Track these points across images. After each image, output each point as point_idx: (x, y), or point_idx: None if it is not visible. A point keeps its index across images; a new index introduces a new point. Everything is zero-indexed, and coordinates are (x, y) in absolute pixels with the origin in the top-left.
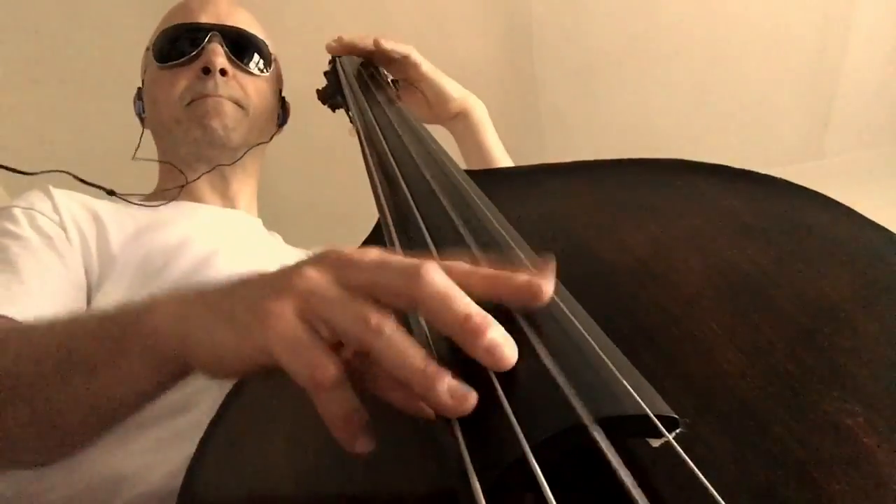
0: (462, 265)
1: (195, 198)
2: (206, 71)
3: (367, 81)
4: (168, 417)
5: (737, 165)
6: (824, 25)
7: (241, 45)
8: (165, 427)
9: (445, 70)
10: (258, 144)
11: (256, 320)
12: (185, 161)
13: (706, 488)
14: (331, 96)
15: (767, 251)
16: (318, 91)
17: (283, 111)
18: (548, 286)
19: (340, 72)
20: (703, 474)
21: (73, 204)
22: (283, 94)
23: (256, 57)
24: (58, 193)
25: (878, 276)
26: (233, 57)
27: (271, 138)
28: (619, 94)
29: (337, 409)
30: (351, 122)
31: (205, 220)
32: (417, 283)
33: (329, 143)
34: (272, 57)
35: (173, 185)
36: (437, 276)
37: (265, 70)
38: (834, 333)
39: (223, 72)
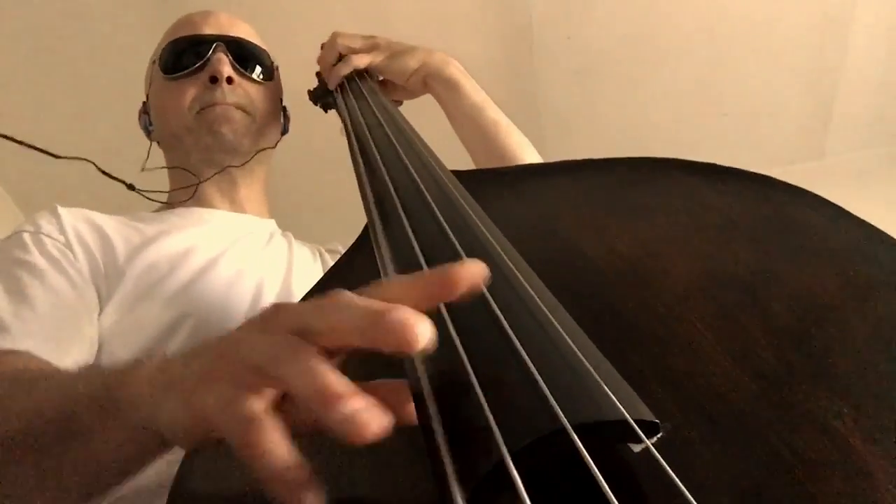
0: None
1: (205, 203)
2: (214, 80)
3: (356, 80)
4: None
5: (737, 165)
6: (824, 25)
7: (245, 55)
8: None
9: None
10: (265, 149)
11: (194, 396)
12: (195, 167)
13: (685, 494)
14: (321, 96)
15: (755, 250)
16: (309, 92)
17: (284, 118)
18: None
19: None
20: (688, 476)
21: (79, 222)
22: (284, 97)
23: (259, 66)
24: (64, 213)
25: (867, 274)
26: (237, 66)
27: (276, 144)
28: (619, 94)
29: (272, 468)
30: (342, 121)
31: (212, 226)
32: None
33: (328, 143)
34: (274, 65)
35: (184, 192)
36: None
37: (268, 78)
38: (821, 333)
39: (230, 80)
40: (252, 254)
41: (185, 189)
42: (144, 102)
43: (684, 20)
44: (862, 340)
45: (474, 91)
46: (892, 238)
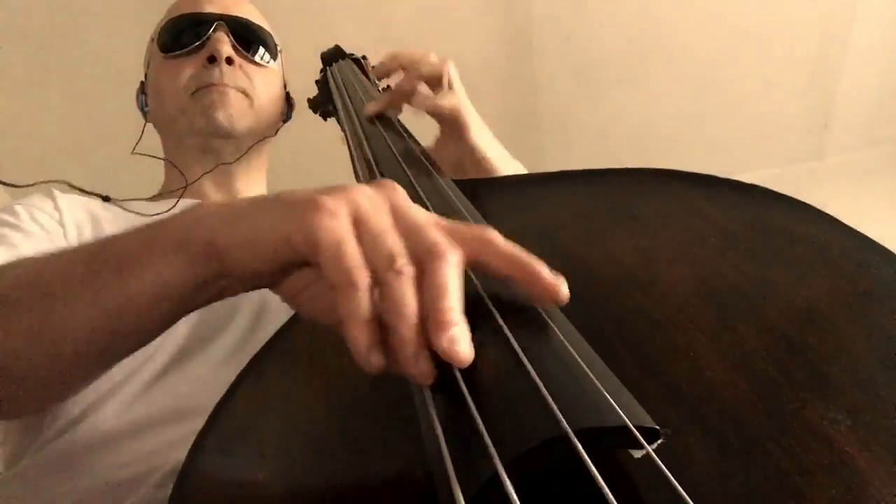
0: (501, 245)
1: (199, 197)
2: (212, 60)
3: (357, 90)
4: (168, 423)
5: (737, 165)
6: (824, 26)
7: (247, 36)
8: (165, 433)
9: None
10: (263, 139)
11: (309, 209)
12: (190, 153)
13: (685, 499)
14: (322, 104)
15: (751, 260)
16: (309, 100)
17: (287, 106)
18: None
19: (331, 80)
20: (686, 483)
21: (76, 207)
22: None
23: (262, 48)
24: (60, 196)
25: (862, 283)
26: (238, 47)
27: (276, 132)
28: (619, 95)
29: (362, 312)
30: (342, 130)
31: None
32: (439, 262)
33: (328, 145)
34: (278, 48)
35: (177, 184)
36: (450, 268)
37: (271, 61)
38: (817, 342)
39: (229, 60)
40: None
41: (176, 189)
42: (142, 82)
43: (684, 20)
44: (857, 349)
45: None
46: (886, 248)
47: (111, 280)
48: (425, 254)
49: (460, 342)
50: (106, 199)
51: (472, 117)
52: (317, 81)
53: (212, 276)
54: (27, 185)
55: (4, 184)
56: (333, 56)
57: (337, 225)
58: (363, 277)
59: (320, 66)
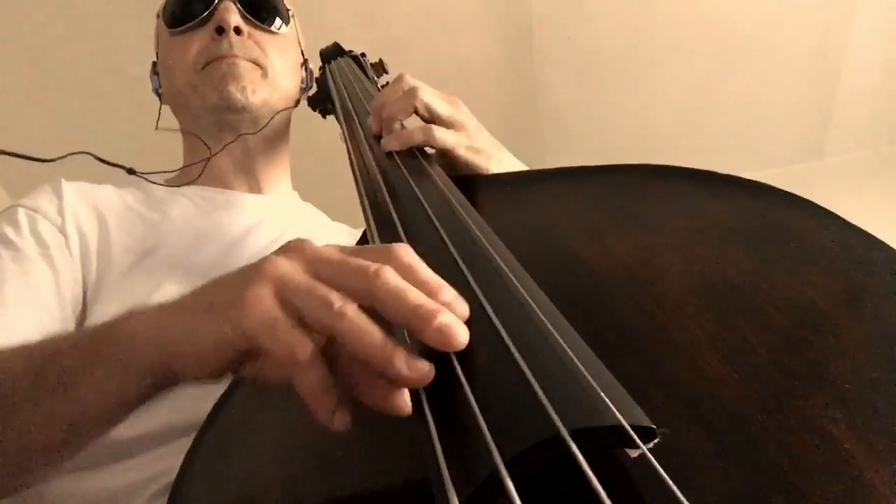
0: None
1: (219, 182)
2: (220, 31)
3: (356, 88)
4: (160, 442)
5: (737, 165)
6: (824, 26)
7: (255, 2)
8: (158, 450)
9: (445, 69)
10: (284, 110)
11: (236, 305)
12: (208, 132)
13: (681, 500)
14: (321, 102)
15: (751, 256)
16: (308, 98)
17: (306, 73)
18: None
19: (330, 78)
20: (683, 482)
21: (81, 205)
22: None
23: (273, 13)
24: (67, 192)
25: (861, 280)
26: (247, 15)
27: (297, 103)
28: (619, 95)
29: (314, 384)
30: (340, 127)
31: (224, 217)
32: (374, 281)
33: (329, 143)
34: (290, 13)
35: (198, 160)
36: (391, 274)
37: (283, 27)
38: (817, 339)
39: (238, 30)
40: (269, 243)
41: (197, 164)
42: (154, 62)
43: (684, 20)
44: (857, 346)
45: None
46: (887, 245)
47: (60, 401)
48: (361, 283)
49: (451, 325)
50: (131, 171)
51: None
52: (316, 79)
53: (161, 383)
54: (52, 160)
55: (32, 158)
56: (332, 53)
57: (263, 311)
58: (304, 351)
59: (319, 64)
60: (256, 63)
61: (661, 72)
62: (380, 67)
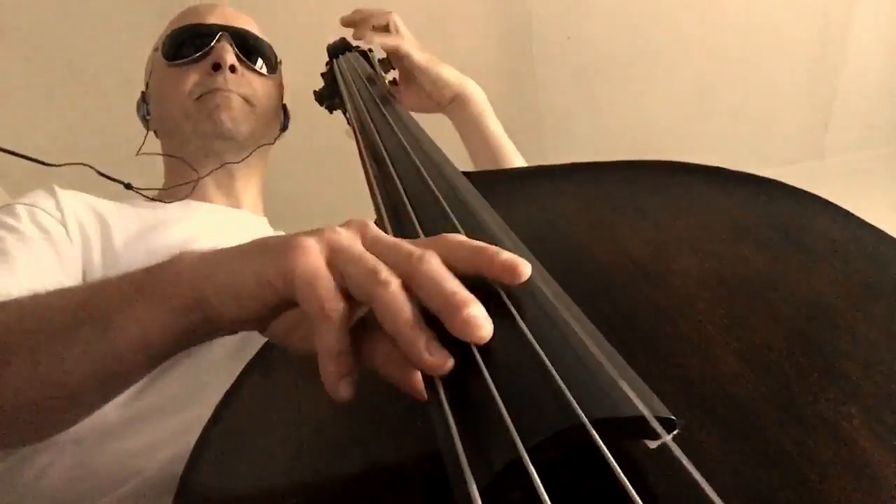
0: (460, 242)
1: (201, 197)
2: (216, 67)
3: (363, 81)
4: (174, 411)
5: (737, 165)
6: (824, 26)
7: (249, 46)
8: (171, 420)
9: None
10: (264, 145)
11: (286, 251)
12: (194, 157)
13: (704, 491)
14: (328, 97)
15: (763, 253)
16: (315, 92)
17: (284, 116)
18: (526, 267)
19: (337, 73)
20: (699, 476)
21: (77, 204)
22: (284, 98)
23: (263, 58)
24: (62, 192)
25: (874, 277)
26: (242, 56)
27: (275, 141)
28: (620, 95)
29: (333, 344)
30: (348, 122)
31: (209, 220)
32: (419, 263)
33: (330, 143)
34: (277, 60)
35: (182, 182)
36: (435, 261)
37: (272, 72)
38: (830, 335)
39: (233, 68)
40: None
41: (183, 183)
42: (143, 92)
43: (684, 20)
44: (870, 342)
45: (496, 121)
46: None
47: (97, 336)
48: (406, 264)
49: (478, 317)
50: (128, 186)
51: (442, 72)
52: (323, 74)
53: (198, 324)
54: (56, 165)
55: (34, 160)
56: (340, 48)
57: (311, 261)
58: (335, 309)
59: (321, 66)
60: (247, 99)
61: (661, 72)
62: (387, 63)
